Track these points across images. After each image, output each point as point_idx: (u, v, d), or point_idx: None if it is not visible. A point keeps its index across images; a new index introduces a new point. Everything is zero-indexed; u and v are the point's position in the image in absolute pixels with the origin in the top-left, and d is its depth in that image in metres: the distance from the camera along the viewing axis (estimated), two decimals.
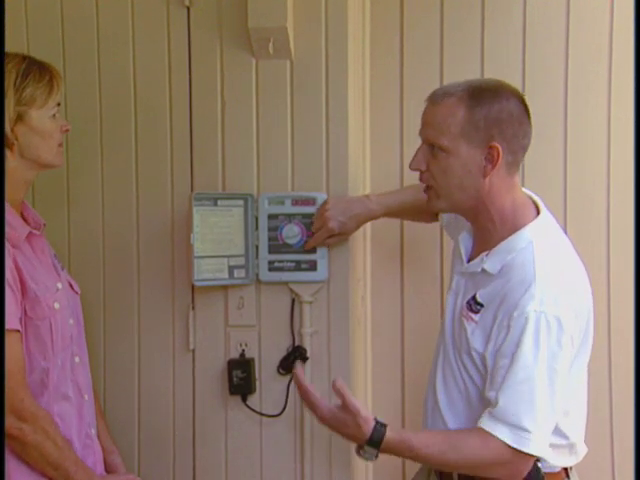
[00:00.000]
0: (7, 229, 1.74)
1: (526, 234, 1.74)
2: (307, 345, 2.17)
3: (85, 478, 1.78)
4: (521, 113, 1.75)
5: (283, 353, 2.18)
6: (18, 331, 1.72)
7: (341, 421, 1.72)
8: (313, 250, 2.15)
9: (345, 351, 2.17)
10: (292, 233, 2.15)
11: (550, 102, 2.35)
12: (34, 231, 1.84)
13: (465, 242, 1.88)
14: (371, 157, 2.42)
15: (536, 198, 1.83)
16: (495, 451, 1.65)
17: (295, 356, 2.17)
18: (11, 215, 1.77)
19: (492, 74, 2.32)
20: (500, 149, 1.71)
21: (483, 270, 1.76)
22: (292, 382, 2.17)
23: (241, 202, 2.16)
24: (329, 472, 2.19)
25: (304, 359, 2.16)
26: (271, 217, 2.15)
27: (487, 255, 1.77)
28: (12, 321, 1.69)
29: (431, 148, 1.76)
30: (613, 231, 2.35)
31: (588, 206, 2.36)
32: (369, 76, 2.42)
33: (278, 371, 2.19)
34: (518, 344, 1.64)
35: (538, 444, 1.65)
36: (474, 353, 1.73)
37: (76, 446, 1.84)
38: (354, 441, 1.74)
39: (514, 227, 1.75)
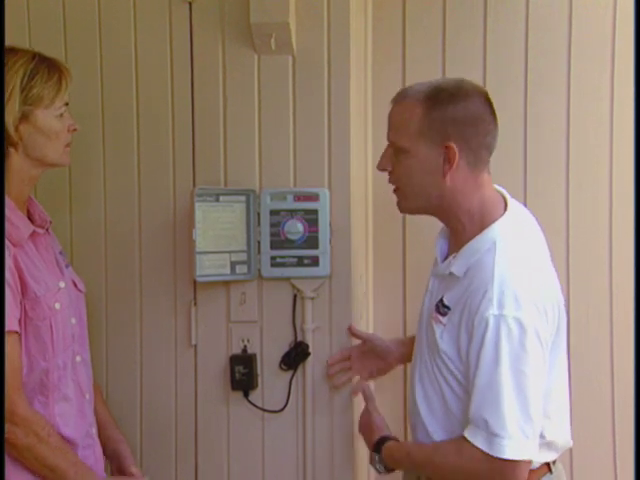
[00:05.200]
0: (9, 227, 1.73)
1: (490, 234, 1.73)
2: (309, 341, 2.17)
3: None
4: (481, 112, 1.75)
5: (285, 349, 2.19)
6: (16, 332, 1.71)
7: (362, 421, 1.99)
8: (315, 246, 2.15)
9: (347, 347, 2.17)
10: (294, 229, 2.15)
11: (551, 102, 2.34)
12: (38, 230, 1.83)
13: (440, 244, 1.89)
14: (373, 152, 2.40)
15: (505, 194, 1.82)
16: (469, 458, 1.66)
17: (297, 352, 2.17)
18: (14, 213, 1.76)
19: (493, 71, 2.34)
20: (456, 149, 1.71)
21: (451, 273, 1.77)
22: (294, 377, 2.18)
23: (243, 198, 2.16)
24: (331, 468, 2.19)
25: (306, 355, 2.17)
26: (273, 213, 2.15)
27: (455, 257, 1.77)
28: (10, 322, 1.68)
29: (395, 149, 1.78)
30: (615, 232, 2.35)
31: (590, 206, 2.36)
32: (371, 71, 2.41)
33: (280, 367, 2.19)
34: (480, 350, 1.65)
35: (515, 448, 1.62)
36: (444, 356, 1.73)
37: (78, 446, 1.84)
38: (369, 448, 1.94)
39: (481, 226, 1.75)
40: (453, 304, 1.73)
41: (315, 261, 2.15)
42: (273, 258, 2.16)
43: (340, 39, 2.14)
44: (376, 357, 2.15)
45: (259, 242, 2.16)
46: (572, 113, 2.34)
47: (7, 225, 1.73)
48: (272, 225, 2.15)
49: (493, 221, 1.75)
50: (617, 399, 2.35)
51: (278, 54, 2.14)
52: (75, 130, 1.86)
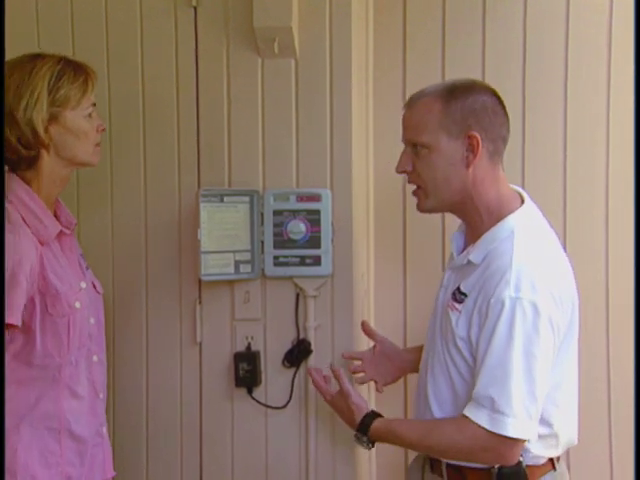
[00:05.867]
0: (38, 226, 1.78)
1: (508, 224, 1.78)
2: (311, 338, 2.20)
3: None
4: (495, 105, 1.81)
5: (288, 346, 2.21)
6: (15, 326, 1.70)
7: (338, 405, 1.97)
8: (317, 245, 2.17)
9: (348, 344, 2.20)
10: (297, 229, 2.17)
11: (551, 103, 2.37)
12: (65, 230, 1.87)
13: (457, 239, 1.92)
14: (374, 154, 2.44)
15: (521, 191, 1.87)
16: (470, 436, 1.69)
17: (300, 349, 2.20)
18: (44, 213, 1.81)
19: (493, 68, 2.36)
20: (479, 137, 1.76)
21: (468, 261, 1.80)
22: (297, 374, 2.21)
23: (247, 198, 2.18)
24: (333, 463, 2.21)
25: (308, 352, 2.19)
26: (276, 213, 2.18)
27: (472, 247, 1.81)
28: (9, 314, 1.67)
29: (414, 148, 1.82)
30: (612, 231, 2.37)
31: (587, 202, 2.39)
32: (372, 74, 2.43)
33: (283, 364, 2.21)
34: (494, 330, 1.68)
35: (518, 428, 1.66)
36: (460, 342, 1.76)
37: (88, 443, 1.86)
38: (350, 426, 1.92)
39: (499, 217, 1.79)
40: (469, 290, 1.77)
41: (317, 260, 2.18)
42: (276, 257, 2.18)
43: (342, 42, 2.17)
44: (387, 360, 2.15)
45: (262, 242, 2.19)
46: (570, 112, 2.36)
47: (36, 224, 1.78)
48: (275, 225, 2.18)
49: (510, 213, 1.79)
50: (613, 396, 2.38)
51: (281, 57, 2.16)
52: (104, 130, 1.91)
